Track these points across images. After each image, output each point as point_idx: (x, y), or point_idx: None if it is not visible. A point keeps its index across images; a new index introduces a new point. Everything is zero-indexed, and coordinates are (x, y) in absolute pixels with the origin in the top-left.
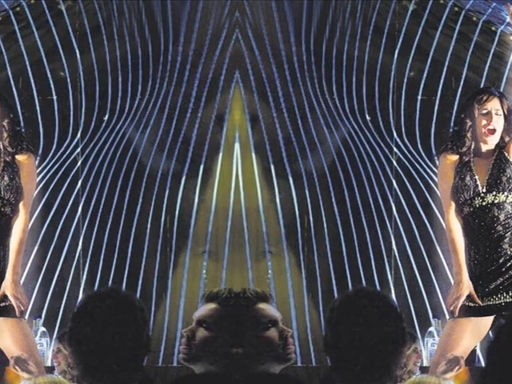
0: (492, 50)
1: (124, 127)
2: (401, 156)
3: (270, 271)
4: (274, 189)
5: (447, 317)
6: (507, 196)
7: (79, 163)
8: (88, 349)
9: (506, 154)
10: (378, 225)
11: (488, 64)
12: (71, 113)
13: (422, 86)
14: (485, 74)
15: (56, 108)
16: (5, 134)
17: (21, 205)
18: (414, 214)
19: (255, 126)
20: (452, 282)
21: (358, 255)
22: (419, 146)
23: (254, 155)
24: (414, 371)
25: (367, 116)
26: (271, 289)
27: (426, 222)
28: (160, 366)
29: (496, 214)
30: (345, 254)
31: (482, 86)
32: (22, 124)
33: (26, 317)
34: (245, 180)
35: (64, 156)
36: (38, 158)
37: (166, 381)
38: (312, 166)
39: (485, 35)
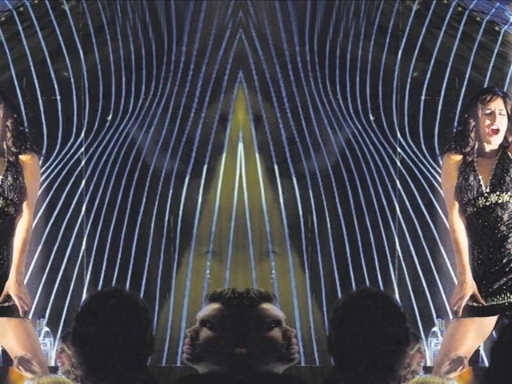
0: (496, 50)
1: (128, 127)
2: (404, 156)
3: (273, 271)
4: (277, 189)
5: (451, 317)
6: (511, 196)
7: (83, 163)
8: (92, 349)
9: (510, 154)
10: (381, 225)
11: (492, 64)
12: (75, 113)
13: (425, 86)
14: (488, 74)
15: (60, 108)
16: (8, 134)
17: (24, 205)
18: (417, 215)
19: (259, 126)
20: (456, 282)
21: (362, 255)
22: (423, 146)
23: (257, 155)
24: (418, 371)
25: (371, 116)
26: (275, 289)
27: (430, 222)
28: (164, 366)
29: (499, 214)
30: (348, 254)
31: (485, 86)
32: (25, 124)
33: (30, 317)
34: (248, 180)
35: (68, 156)
36: (42, 157)
37: (170, 381)
38: (316, 167)
39: (488, 35)
